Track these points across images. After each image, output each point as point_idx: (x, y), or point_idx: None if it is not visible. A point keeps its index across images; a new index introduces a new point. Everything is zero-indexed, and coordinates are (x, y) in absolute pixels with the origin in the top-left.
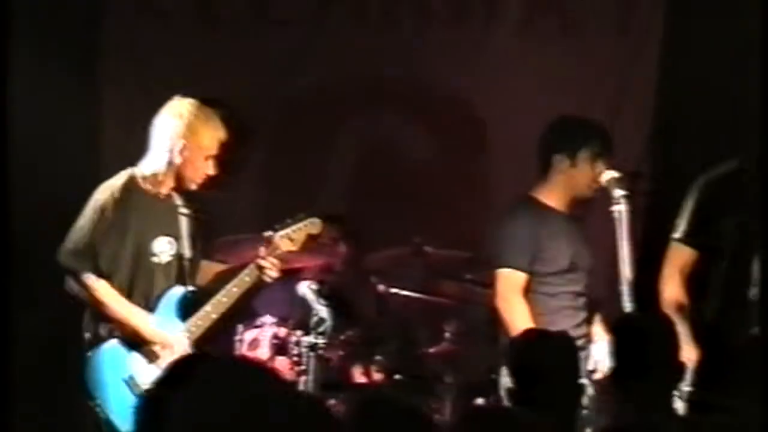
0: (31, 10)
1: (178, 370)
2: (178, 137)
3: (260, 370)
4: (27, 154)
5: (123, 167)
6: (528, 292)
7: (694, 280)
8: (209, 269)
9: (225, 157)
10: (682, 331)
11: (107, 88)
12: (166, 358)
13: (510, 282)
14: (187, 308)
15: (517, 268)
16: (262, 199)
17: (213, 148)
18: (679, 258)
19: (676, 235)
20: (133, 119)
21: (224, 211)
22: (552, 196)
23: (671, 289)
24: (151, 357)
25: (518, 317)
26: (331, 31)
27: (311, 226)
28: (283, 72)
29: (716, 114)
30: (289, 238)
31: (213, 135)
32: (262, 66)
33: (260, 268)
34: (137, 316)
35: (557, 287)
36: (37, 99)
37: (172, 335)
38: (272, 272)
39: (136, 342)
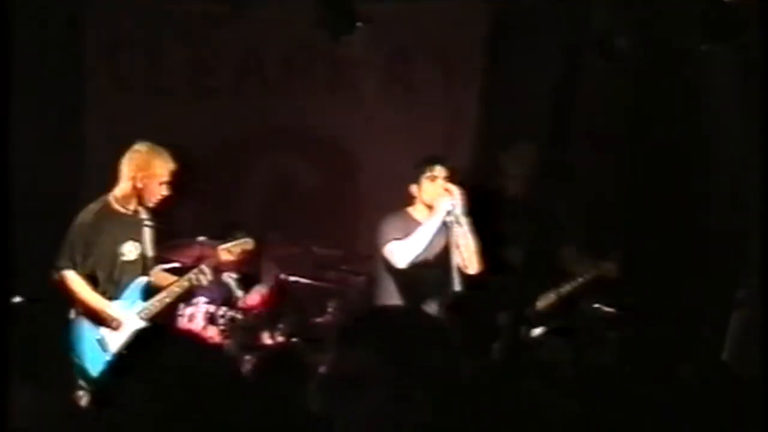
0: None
1: (138, 337)
2: (136, 171)
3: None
4: (28, 180)
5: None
6: None
7: None
8: (164, 278)
9: (176, 182)
10: None
11: (89, 136)
12: (127, 324)
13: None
14: (147, 292)
15: None
16: (199, 214)
17: (165, 175)
18: None
19: None
20: (108, 158)
21: (173, 223)
22: (417, 211)
23: None
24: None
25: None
26: (246, 97)
27: (246, 243)
28: (212, 125)
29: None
30: (228, 251)
31: (163, 165)
32: (198, 121)
33: (201, 272)
34: (101, 301)
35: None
36: (38, 142)
37: (125, 314)
38: (204, 280)
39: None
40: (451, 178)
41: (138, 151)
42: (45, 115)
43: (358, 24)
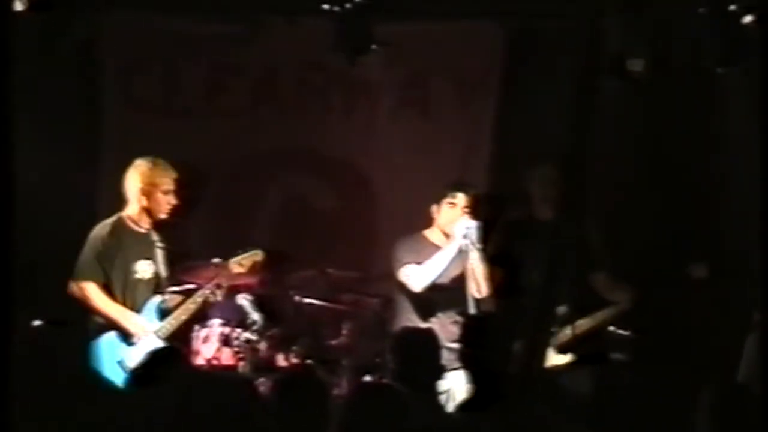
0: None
1: (154, 357)
2: (140, 184)
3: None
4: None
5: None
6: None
7: None
8: (177, 300)
9: (180, 190)
10: None
11: (105, 157)
12: (144, 342)
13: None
14: (163, 311)
15: None
16: (214, 236)
17: (169, 183)
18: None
19: None
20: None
21: (187, 245)
22: (433, 235)
23: None
24: (132, 341)
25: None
26: (262, 118)
27: (255, 255)
28: (226, 147)
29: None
30: (239, 263)
31: (165, 174)
32: (213, 142)
33: (215, 287)
34: (121, 312)
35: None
36: (54, 163)
37: (146, 327)
38: (219, 295)
39: (121, 331)
40: (473, 206)
41: (138, 166)
42: (61, 137)
43: (374, 46)
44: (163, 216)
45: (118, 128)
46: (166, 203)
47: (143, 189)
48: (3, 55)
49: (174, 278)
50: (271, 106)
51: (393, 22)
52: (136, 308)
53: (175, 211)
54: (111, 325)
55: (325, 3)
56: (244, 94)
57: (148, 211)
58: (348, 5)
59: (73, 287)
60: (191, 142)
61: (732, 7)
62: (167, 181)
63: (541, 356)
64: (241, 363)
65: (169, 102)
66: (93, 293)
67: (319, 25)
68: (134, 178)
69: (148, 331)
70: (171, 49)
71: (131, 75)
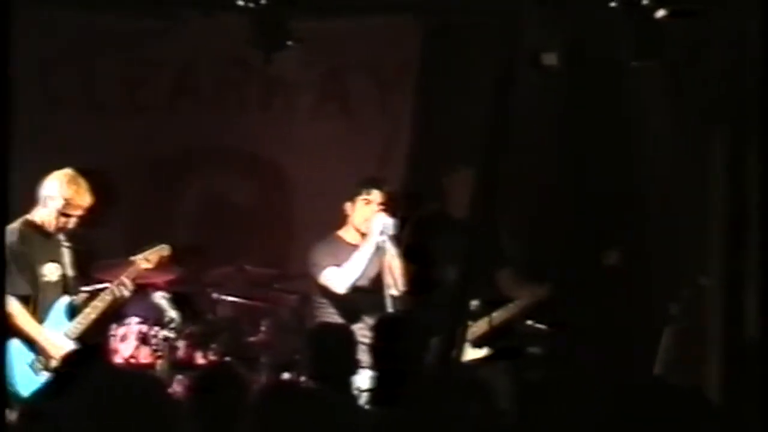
0: None
1: (71, 358)
2: (55, 199)
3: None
4: None
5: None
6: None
7: None
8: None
9: (89, 216)
10: None
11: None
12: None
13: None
14: (72, 311)
15: None
16: (133, 233)
17: (80, 209)
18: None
19: None
20: (39, 175)
21: (104, 242)
22: (348, 234)
23: None
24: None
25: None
26: (179, 114)
27: (162, 250)
28: (143, 143)
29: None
30: (146, 259)
31: (80, 201)
32: (130, 138)
33: (121, 283)
34: (41, 333)
35: None
36: None
37: (58, 341)
38: (125, 291)
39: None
40: (387, 203)
41: (59, 179)
42: None
43: (290, 42)
44: (64, 231)
45: (35, 126)
46: (70, 224)
47: (56, 205)
48: None
49: (84, 278)
50: (188, 102)
51: (309, 18)
52: (45, 310)
53: (71, 232)
54: (27, 342)
55: None
56: (161, 90)
57: (54, 222)
58: (263, 1)
59: None
60: (108, 138)
61: (644, 2)
62: (79, 207)
63: (459, 350)
64: (159, 361)
65: (86, 98)
66: (15, 310)
67: (235, 21)
68: (51, 190)
69: (61, 342)
70: (87, 45)
71: (48, 71)
